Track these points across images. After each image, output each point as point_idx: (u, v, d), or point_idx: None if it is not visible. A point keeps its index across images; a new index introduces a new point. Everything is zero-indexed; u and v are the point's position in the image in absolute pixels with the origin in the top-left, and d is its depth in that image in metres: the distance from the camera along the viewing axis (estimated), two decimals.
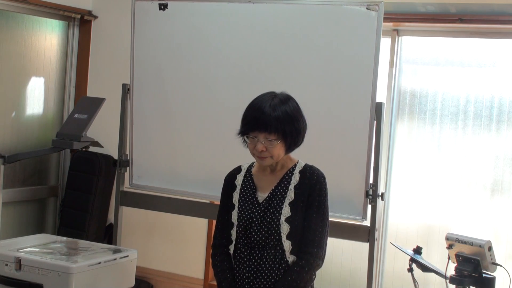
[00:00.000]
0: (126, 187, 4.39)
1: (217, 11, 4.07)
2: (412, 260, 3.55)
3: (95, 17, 5.39)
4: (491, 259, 3.22)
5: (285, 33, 3.89)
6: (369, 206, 3.72)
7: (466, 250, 3.28)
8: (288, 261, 2.57)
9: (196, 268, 5.08)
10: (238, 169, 2.75)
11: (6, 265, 3.55)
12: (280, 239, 2.56)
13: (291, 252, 2.57)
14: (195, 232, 5.05)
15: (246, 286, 2.59)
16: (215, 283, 4.83)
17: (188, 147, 4.20)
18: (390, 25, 4.49)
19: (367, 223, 3.74)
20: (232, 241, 2.66)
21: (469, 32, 4.40)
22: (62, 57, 5.39)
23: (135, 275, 3.88)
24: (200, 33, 4.11)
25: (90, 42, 5.40)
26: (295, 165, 2.66)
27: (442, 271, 3.44)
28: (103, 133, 4.82)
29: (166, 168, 4.27)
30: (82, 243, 4.08)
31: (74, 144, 3.94)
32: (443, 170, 4.52)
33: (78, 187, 5.17)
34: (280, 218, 2.57)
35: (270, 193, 2.62)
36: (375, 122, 3.68)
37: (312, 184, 2.60)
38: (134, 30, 4.29)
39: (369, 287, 3.75)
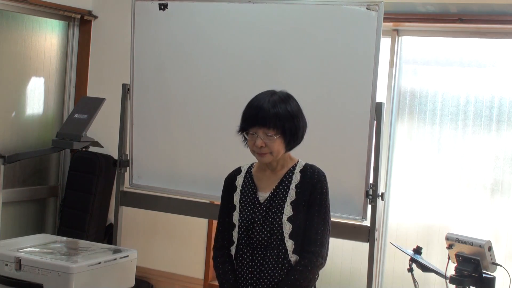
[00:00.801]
0: (126, 187, 4.39)
1: (217, 11, 4.07)
2: (412, 260, 3.55)
3: (95, 17, 5.38)
4: (491, 259, 3.22)
5: (285, 33, 3.89)
6: (369, 206, 3.73)
7: (466, 250, 3.28)
8: (290, 260, 2.56)
9: (196, 268, 5.07)
10: (238, 170, 2.74)
11: (6, 265, 3.56)
12: (282, 239, 2.56)
13: (294, 252, 2.56)
14: (195, 232, 5.05)
15: (249, 287, 2.58)
16: (215, 283, 4.87)
17: (188, 147, 4.20)
18: (390, 25, 4.49)
19: (367, 223, 3.74)
20: (233, 242, 2.64)
21: (469, 32, 4.39)
22: (62, 57, 5.39)
23: (135, 275, 3.88)
24: (200, 33, 4.12)
25: (90, 42, 5.40)
26: (296, 165, 2.65)
27: (442, 271, 3.44)
28: (103, 133, 4.81)
29: (166, 168, 4.27)
30: (82, 243, 4.08)
31: (74, 144, 3.93)
32: (443, 170, 4.51)
33: (78, 187, 5.16)
34: (282, 217, 2.56)
35: (271, 192, 2.61)
36: (375, 122, 3.68)
37: (314, 183, 2.60)
38: (134, 30, 4.29)
39: (369, 287, 3.75)
